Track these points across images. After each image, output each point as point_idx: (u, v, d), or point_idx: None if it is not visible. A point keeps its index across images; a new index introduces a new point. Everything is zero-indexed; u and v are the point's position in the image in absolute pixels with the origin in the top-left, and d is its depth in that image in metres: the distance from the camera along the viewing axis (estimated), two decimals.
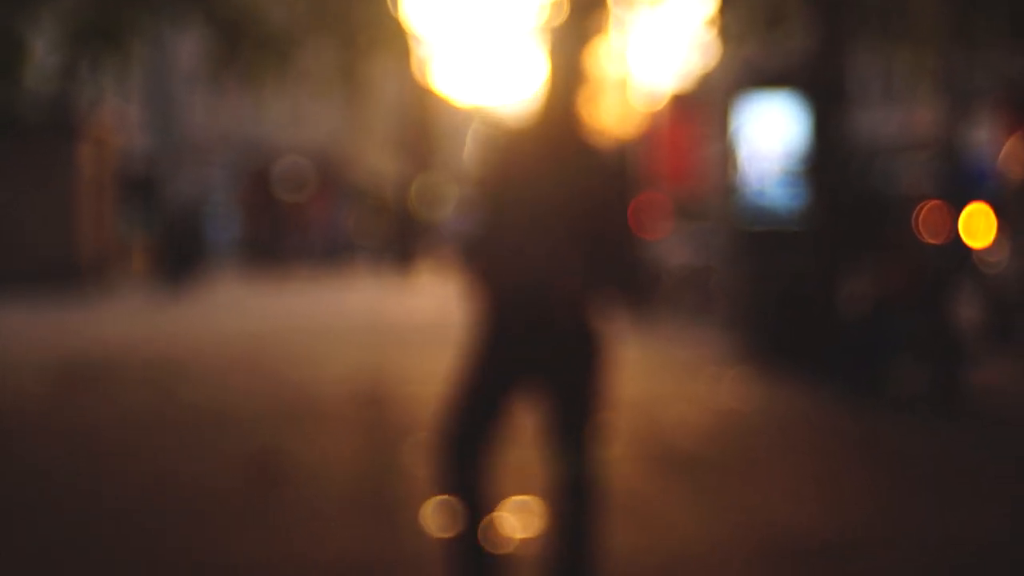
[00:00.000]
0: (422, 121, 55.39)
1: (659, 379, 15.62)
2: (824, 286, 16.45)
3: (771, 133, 20.72)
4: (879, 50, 22.69)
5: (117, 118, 45.35)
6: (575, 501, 5.51)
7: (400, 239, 49.69)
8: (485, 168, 5.31)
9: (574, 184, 5.28)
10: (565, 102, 5.24)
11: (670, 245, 32.70)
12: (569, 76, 5.24)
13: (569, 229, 5.28)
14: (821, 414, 12.89)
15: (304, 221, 57.35)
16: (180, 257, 37.22)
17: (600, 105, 5.34)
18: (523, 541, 7.43)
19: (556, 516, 5.55)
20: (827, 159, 16.96)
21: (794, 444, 11.17)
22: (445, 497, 5.42)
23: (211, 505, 8.64)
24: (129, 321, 25.55)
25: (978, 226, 24.64)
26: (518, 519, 7.91)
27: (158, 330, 23.09)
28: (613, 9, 19.33)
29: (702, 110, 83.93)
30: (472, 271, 5.34)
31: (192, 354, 18.39)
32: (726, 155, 21.82)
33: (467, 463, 5.39)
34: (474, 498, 5.43)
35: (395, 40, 17.36)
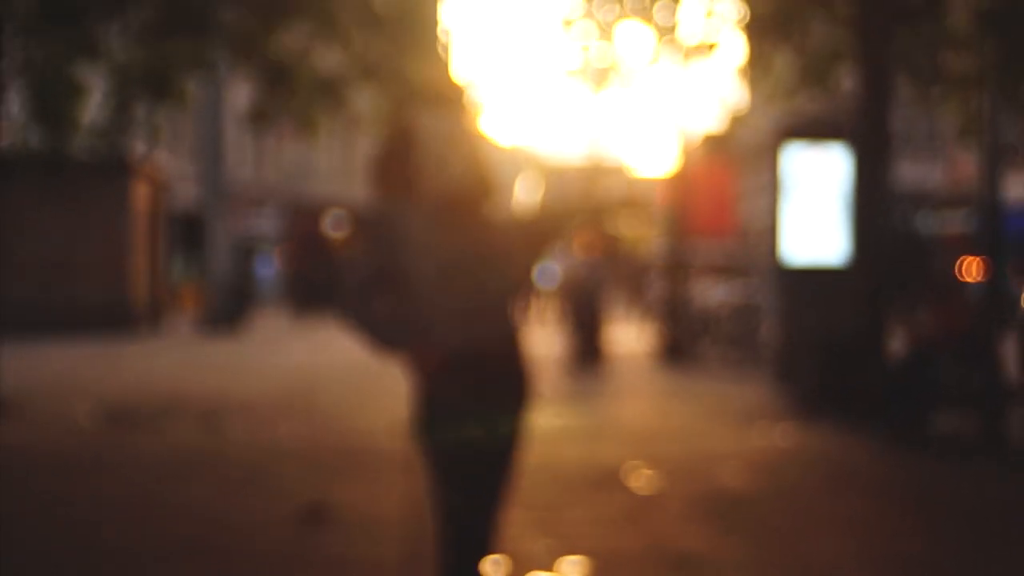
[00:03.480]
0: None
1: (706, 430, 15.43)
2: (867, 332, 16.26)
3: (814, 178, 20.61)
4: (923, 101, 22.52)
5: (167, 164, 45.59)
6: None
7: None
8: (391, 244, 5.27)
9: (497, 246, 5.37)
10: (465, 176, 5.31)
11: (714, 285, 32.61)
12: (458, 153, 5.32)
13: (503, 288, 5.38)
14: (866, 462, 12.66)
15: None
16: (230, 300, 37.29)
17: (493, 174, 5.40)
18: None
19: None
20: (870, 207, 16.78)
21: (840, 493, 10.95)
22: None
23: (258, 548, 8.51)
24: (180, 362, 25.51)
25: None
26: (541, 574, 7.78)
27: (209, 371, 23.04)
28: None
29: (741, 152, 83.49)
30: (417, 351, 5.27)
31: (242, 395, 18.30)
32: (771, 197, 21.70)
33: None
34: None
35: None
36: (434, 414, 5.29)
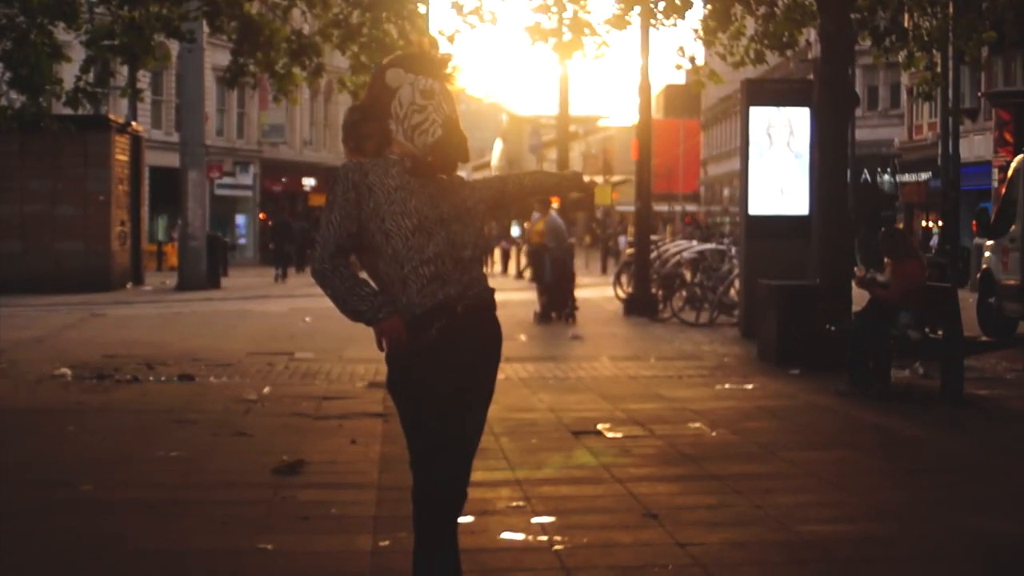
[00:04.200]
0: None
1: (675, 383, 15.48)
2: (830, 286, 16.35)
3: (779, 136, 20.69)
4: (885, 64, 22.60)
5: (148, 124, 45.29)
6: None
7: None
8: (361, 195, 5.22)
9: (461, 201, 5.36)
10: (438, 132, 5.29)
11: (684, 241, 32.68)
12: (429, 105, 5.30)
13: (478, 244, 5.37)
14: (831, 414, 12.70)
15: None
16: (210, 257, 37.23)
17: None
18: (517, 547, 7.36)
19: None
20: (833, 165, 16.84)
21: (807, 444, 10.97)
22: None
23: (236, 501, 8.47)
24: (160, 318, 25.46)
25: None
26: (513, 524, 7.83)
27: (189, 328, 23.00)
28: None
29: (710, 109, 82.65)
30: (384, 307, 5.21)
31: (222, 351, 18.28)
32: (738, 154, 21.75)
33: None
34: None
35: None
36: (407, 368, 5.30)
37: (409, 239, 5.19)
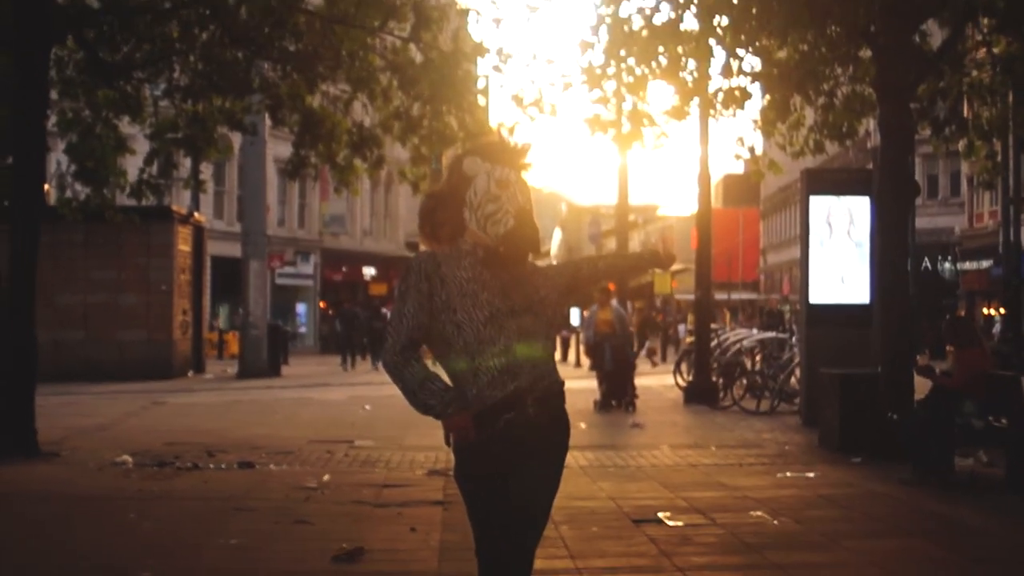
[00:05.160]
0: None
1: (736, 471, 15.39)
2: (892, 374, 16.25)
3: (839, 225, 20.64)
4: (944, 152, 22.53)
5: (210, 214, 45.55)
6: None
7: None
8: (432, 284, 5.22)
9: (534, 290, 5.33)
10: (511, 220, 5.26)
11: (744, 328, 32.60)
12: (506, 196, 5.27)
13: (549, 335, 5.37)
14: (894, 502, 12.59)
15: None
16: (271, 345, 37.39)
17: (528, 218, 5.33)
18: None
19: None
20: (893, 254, 16.78)
21: (870, 534, 10.89)
22: None
23: None
24: (222, 406, 25.52)
25: None
26: None
27: (250, 415, 23.05)
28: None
29: (769, 198, 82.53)
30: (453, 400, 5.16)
31: (282, 439, 18.31)
32: (798, 242, 21.67)
33: None
34: None
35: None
36: (474, 458, 5.28)
37: (481, 331, 5.16)
